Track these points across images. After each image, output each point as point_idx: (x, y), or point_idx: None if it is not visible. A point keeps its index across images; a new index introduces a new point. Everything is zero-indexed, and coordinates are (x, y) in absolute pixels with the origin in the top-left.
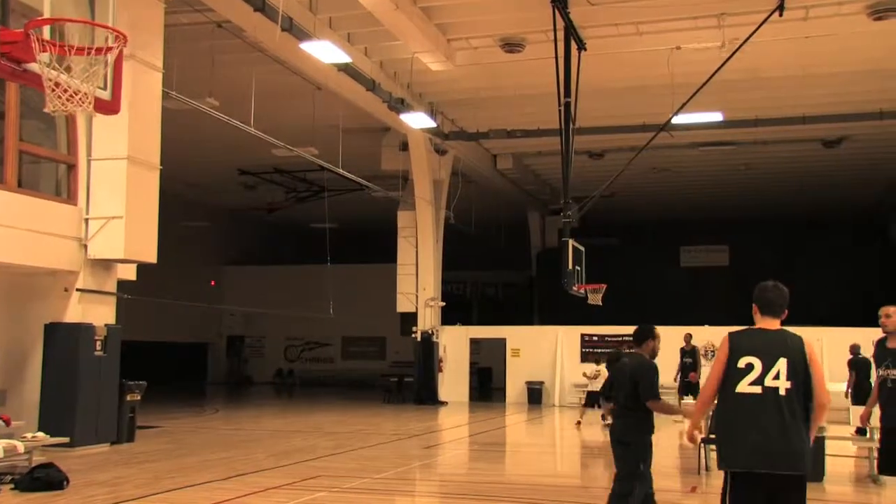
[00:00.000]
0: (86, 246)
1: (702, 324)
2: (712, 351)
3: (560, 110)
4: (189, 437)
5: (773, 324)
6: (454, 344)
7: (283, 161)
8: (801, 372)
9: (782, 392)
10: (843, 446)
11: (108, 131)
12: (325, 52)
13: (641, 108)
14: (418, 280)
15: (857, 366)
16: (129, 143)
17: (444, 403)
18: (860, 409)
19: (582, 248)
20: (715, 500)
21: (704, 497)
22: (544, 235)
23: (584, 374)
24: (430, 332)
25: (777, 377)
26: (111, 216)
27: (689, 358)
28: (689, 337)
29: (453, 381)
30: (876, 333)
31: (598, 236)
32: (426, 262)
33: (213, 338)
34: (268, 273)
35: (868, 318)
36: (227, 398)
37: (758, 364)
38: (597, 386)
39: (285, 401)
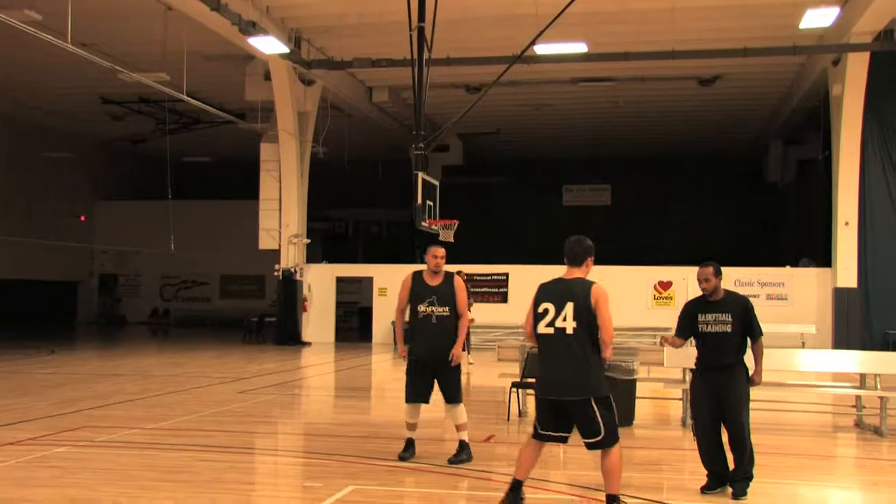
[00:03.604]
0: None
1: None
2: None
3: (411, 35)
4: None
5: (573, 273)
6: (320, 283)
7: (149, 91)
8: (585, 314)
9: (569, 331)
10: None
11: None
12: None
13: (508, 39)
14: (281, 216)
15: None
16: None
17: (307, 344)
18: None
19: (436, 183)
20: (514, 449)
21: (501, 446)
22: (427, 173)
23: None
24: (293, 270)
25: (565, 319)
26: None
27: None
28: None
29: (319, 320)
30: (745, 273)
31: (486, 175)
32: (290, 198)
33: (84, 276)
34: (141, 208)
35: (745, 257)
36: (84, 339)
37: (552, 309)
38: None
39: (148, 341)
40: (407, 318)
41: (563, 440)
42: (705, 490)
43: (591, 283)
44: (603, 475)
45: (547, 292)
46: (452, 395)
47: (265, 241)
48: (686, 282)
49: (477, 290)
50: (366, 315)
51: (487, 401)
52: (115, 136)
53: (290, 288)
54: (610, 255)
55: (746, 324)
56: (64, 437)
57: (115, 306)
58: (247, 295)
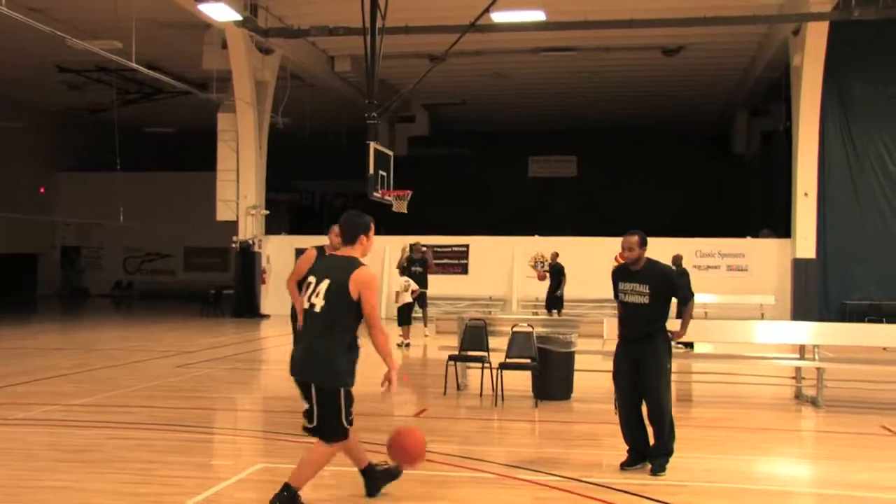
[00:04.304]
0: None
1: (553, 234)
2: (542, 262)
3: (363, 1)
4: None
5: (345, 250)
6: (280, 255)
7: (107, 60)
8: (338, 295)
9: (317, 309)
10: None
11: None
12: None
13: (468, 8)
14: (239, 187)
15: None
16: None
17: (265, 317)
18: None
19: (389, 153)
20: (453, 424)
21: (431, 420)
22: (393, 145)
23: (396, 293)
24: (251, 241)
25: (317, 296)
26: None
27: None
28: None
29: (278, 293)
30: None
31: (452, 146)
32: (247, 169)
33: (46, 248)
34: (101, 180)
35: (709, 229)
36: (40, 312)
37: (314, 283)
38: (408, 300)
39: (106, 314)
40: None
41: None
42: (625, 466)
43: (355, 266)
44: (299, 461)
45: (318, 265)
46: None
47: (223, 213)
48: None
49: (437, 261)
50: None
51: (426, 374)
52: (73, 105)
53: (248, 260)
54: (575, 227)
55: (669, 293)
56: None
57: (78, 279)
58: (211, 268)
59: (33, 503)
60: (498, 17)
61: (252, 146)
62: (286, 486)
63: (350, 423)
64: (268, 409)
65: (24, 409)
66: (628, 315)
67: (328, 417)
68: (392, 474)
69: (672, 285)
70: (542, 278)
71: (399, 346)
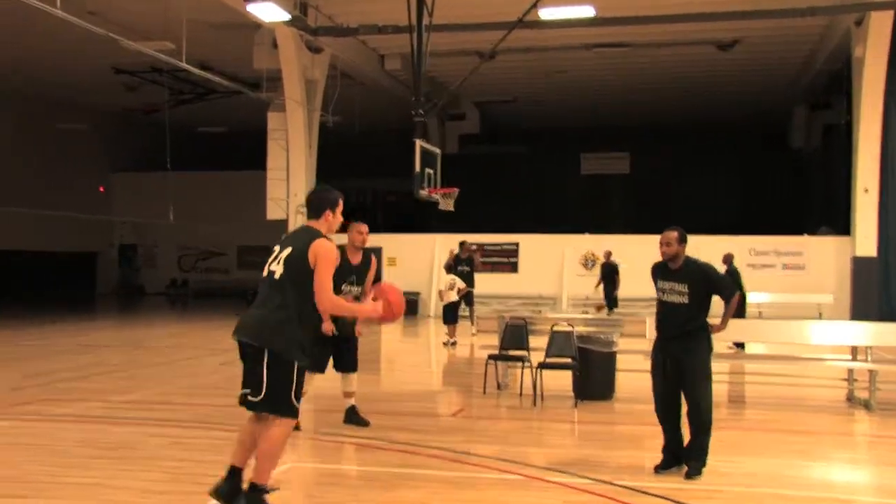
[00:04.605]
0: None
1: (605, 232)
2: (592, 261)
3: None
4: None
5: (310, 223)
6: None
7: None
8: (297, 261)
9: (276, 276)
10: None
11: None
12: None
13: (516, 4)
14: (289, 185)
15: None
16: None
17: None
18: (734, 323)
19: (437, 151)
20: (490, 424)
21: (467, 421)
22: (444, 141)
23: (439, 291)
24: None
25: (278, 263)
26: None
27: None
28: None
29: None
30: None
31: (503, 143)
32: (297, 167)
33: (104, 247)
34: (156, 179)
35: (766, 226)
36: (96, 309)
37: (276, 251)
38: (453, 298)
39: (159, 312)
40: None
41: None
42: (659, 469)
43: (316, 235)
44: (256, 456)
45: (285, 236)
46: (350, 366)
47: (273, 211)
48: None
49: (487, 259)
50: None
51: (470, 373)
52: (128, 106)
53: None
54: (628, 225)
55: (709, 291)
56: (15, 411)
57: (135, 277)
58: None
59: (59, 499)
60: (546, 13)
61: (302, 145)
62: (252, 486)
63: (298, 401)
64: (304, 409)
65: (66, 406)
66: (667, 314)
67: (278, 388)
68: (255, 500)
69: (713, 284)
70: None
71: (445, 344)
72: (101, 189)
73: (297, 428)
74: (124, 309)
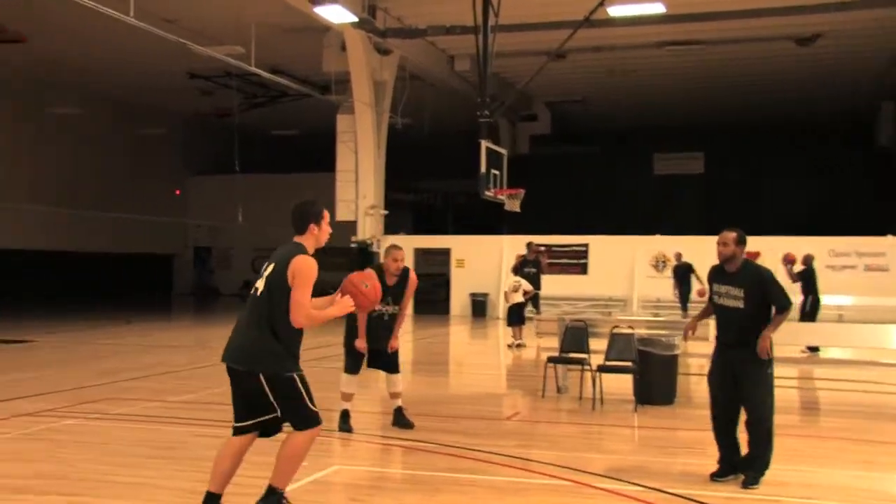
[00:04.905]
0: None
1: (677, 233)
2: (663, 262)
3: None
4: (45, 352)
5: (296, 238)
6: None
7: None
8: (277, 278)
9: (258, 293)
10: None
11: None
12: None
13: (583, 2)
14: (358, 187)
15: (804, 278)
16: None
17: None
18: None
19: (503, 151)
20: (544, 427)
21: (521, 424)
22: (514, 142)
23: (504, 292)
24: (368, 241)
25: (262, 279)
26: None
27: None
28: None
29: None
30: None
31: (574, 144)
32: (366, 169)
33: (180, 249)
34: (230, 182)
35: (848, 227)
36: (170, 310)
37: (263, 268)
38: (518, 299)
39: (232, 312)
40: None
41: (265, 428)
42: (715, 477)
43: (297, 251)
44: (276, 458)
45: (272, 254)
46: (392, 367)
47: (342, 213)
48: (775, 253)
49: (556, 261)
50: None
51: (535, 376)
52: (201, 111)
53: (365, 259)
54: (702, 226)
55: (765, 297)
56: (79, 410)
57: (209, 278)
58: (335, 267)
59: (105, 498)
60: (615, 10)
61: (370, 146)
62: (271, 490)
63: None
64: (365, 410)
65: (126, 405)
66: (723, 319)
67: (292, 405)
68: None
69: (768, 291)
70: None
71: (510, 346)
72: (178, 192)
73: (348, 430)
74: (198, 310)
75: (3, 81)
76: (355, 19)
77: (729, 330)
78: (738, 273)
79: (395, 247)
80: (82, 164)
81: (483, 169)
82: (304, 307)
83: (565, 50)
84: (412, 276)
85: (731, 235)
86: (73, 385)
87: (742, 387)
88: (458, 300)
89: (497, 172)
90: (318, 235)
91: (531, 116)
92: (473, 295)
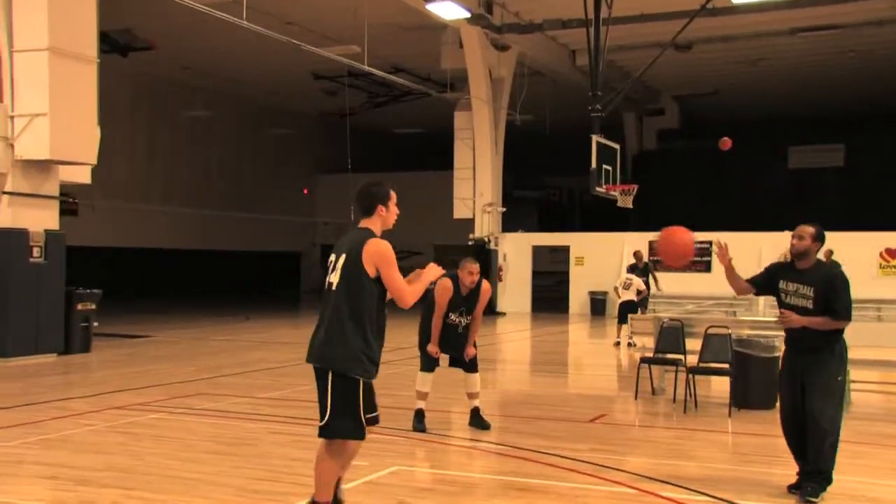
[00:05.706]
0: (13, 146)
1: None
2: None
3: None
4: (160, 347)
5: (363, 222)
6: (516, 252)
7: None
8: (352, 268)
9: (334, 287)
10: None
11: (29, 19)
12: None
13: None
14: (475, 185)
15: None
16: (50, 32)
17: (501, 314)
18: None
19: (616, 146)
20: (631, 431)
21: (603, 428)
22: (641, 137)
23: (615, 288)
24: (486, 239)
25: (335, 272)
26: (35, 113)
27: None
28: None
29: (515, 290)
30: None
31: (704, 138)
32: (484, 166)
33: (307, 246)
34: (356, 181)
35: None
36: (294, 307)
37: (333, 260)
38: (630, 296)
39: None
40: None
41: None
42: (793, 489)
43: (368, 236)
44: (314, 470)
45: (337, 244)
46: (471, 366)
47: (460, 210)
48: None
49: None
50: None
51: (629, 377)
52: (325, 111)
53: (485, 257)
54: (840, 221)
55: (828, 300)
56: (169, 404)
57: None
58: (454, 266)
59: (157, 492)
60: None
61: (488, 143)
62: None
63: (366, 422)
64: (439, 409)
65: (214, 400)
66: None
67: (344, 409)
68: None
69: (831, 292)
70: None
71: (616, 344)
72: (305, 192)
73: (422, 430)
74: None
75: (138, 87)
76: (468, 15)
77: (797, 333)
78: (810, 271)
79: (470, 260)
80: (212, 165)
81: (594, 165)
82: (403, 288)
83: (690, 41)
84: (485, 285)
85: (810, 230)
86: (174, 380)
87: (809, 396)
88: (577, 298)
89: (609, 168)
90: (386, 217)
91: (658, 111)
92: (592, 293)
